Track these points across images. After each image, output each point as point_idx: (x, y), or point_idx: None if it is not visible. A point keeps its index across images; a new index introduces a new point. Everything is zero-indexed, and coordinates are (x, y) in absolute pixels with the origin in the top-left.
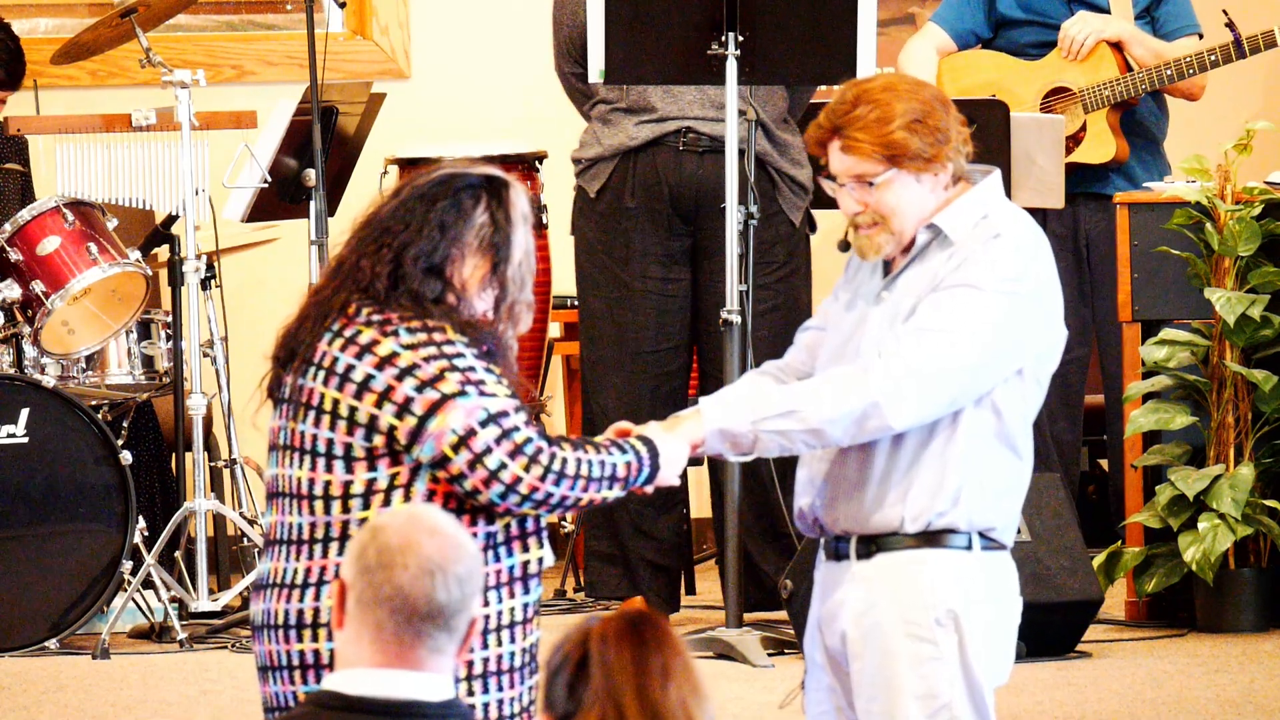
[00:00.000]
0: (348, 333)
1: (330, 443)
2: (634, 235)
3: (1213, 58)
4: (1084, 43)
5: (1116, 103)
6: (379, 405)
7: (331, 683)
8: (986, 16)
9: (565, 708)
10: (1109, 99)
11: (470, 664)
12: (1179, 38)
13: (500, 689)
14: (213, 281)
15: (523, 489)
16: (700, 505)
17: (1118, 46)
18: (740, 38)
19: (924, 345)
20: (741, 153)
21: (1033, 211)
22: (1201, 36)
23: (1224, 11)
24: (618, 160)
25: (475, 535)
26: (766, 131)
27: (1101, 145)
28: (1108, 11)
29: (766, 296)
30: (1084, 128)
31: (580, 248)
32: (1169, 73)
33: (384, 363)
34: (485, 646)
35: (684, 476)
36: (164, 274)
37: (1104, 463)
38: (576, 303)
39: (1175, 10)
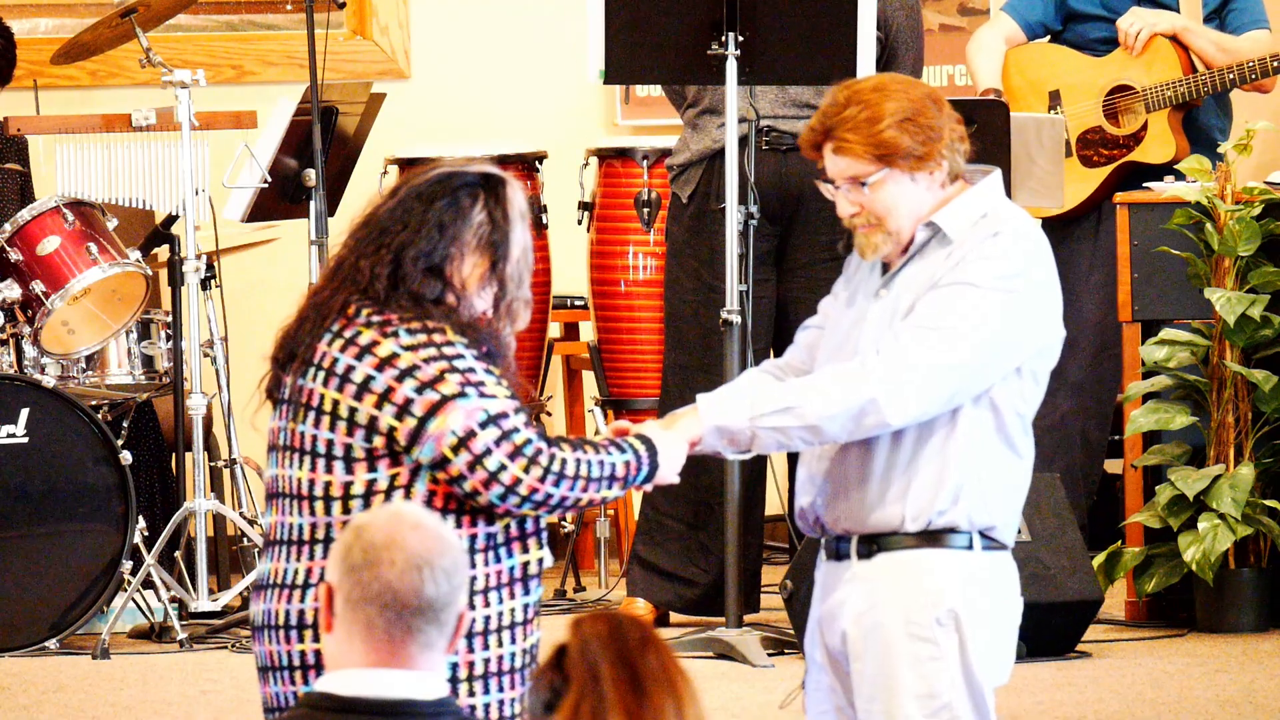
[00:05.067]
0: (347, 333)
1: (330, 443)
2: (719, 238)
3: (1276, 63)
4: (1137, 36)
5: (1179, 103)
6: (379, 406)
7: (324, 684)
8: (1057, 9)
9: (547, 713)
10: (1171, 99)
11: (471, 665)
12: (1246, 32)
13: (500, 689)
14: (213, 281)
15: (522, 490)
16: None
17: (1180, 43)
18: (740, 38)
19: (922, 342)
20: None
21: (1090, 209)
22: (1269, 30)
23: None
24: (705, 164)
25: (475, 536)
26: None
27: (1162, 145)
28: (1175, 9)
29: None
30: (1145, 127)
31: (670, 251)
32: (1232, 76)
33: (384, 364)
34: (486, 647)
35: (762, 476)
36: (164, 274)
37: (1105, 464)
38: (578, 303)
39: (1244, 6)
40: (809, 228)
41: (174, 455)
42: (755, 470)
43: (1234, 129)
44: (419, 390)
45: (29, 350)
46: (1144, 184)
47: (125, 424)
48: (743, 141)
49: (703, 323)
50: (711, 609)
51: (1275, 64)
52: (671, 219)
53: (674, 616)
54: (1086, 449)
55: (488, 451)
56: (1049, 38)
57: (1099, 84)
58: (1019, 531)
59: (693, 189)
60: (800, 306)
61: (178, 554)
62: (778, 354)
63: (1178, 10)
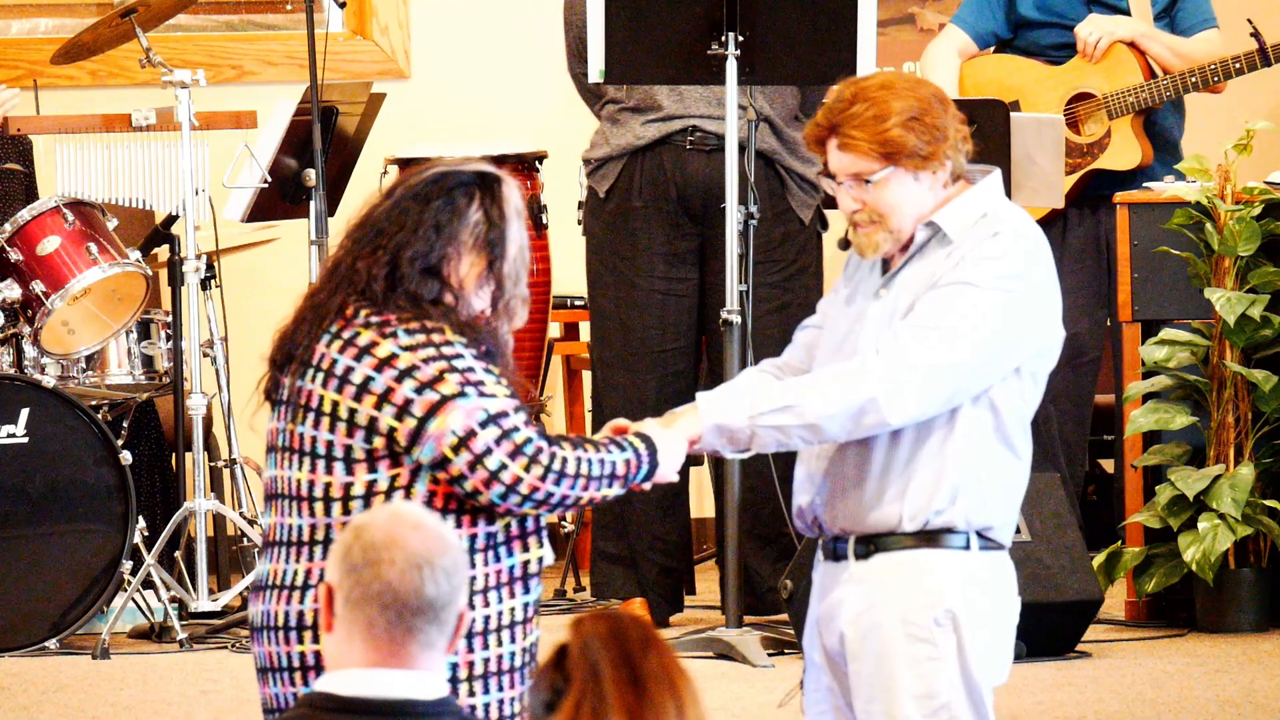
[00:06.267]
0: (346, 334)
1: (330, 444)
2: (641, 234)
3: (1237, 65)
4: (1097, 44)
5: (1140, 109)
6: (378, 407)
7: (324, 684)
8: (1007, 17)
9: (548, 712)
10: (1133, 105)
11: (471, 664)
12: (1196, 33)
13: (500, 689)
14: (213, 281)
15: (523, 489)
16: (699, 505)
17: (1136, 47)
18: (740, 38)
19: (922, 342)
20: (742, 151)
21: (1056, 216)
22: (1218, 29)
23: (1249, 20)
24: (625, 160)
25: (475, 535)
26: (775, 129)
27: (1127, 152)
28: (1126, 12)
29: (775, 295)
30: (1108, 134)
31: (590, 247)
32: (1194, 80)
33: (383, 364)
34: (485, 647)
35: (685, 476)
36: (164, 274)
37: (1104, 463)
38: (577, 303)
39: (1192, 6)
40: (723, 222)
41: (174, 455)
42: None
43: (1187, 127)
44: (418, 390)
45: (29, 350)
46: (1112, 189)
47: (125, 424)
48: (665, 140)
49: (624, 320)
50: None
51: (1236, 66)
52: (589, 214)
53: (674, 616)
54: (1066, 449)
55: (488, 451)
56: (997, 46)
57: (1058, 92)
58: (1018, 531)
59: (611, 184)
60: (719, 294)
61: (178, 554)
62: (708, 347)
63: (1129, 12)
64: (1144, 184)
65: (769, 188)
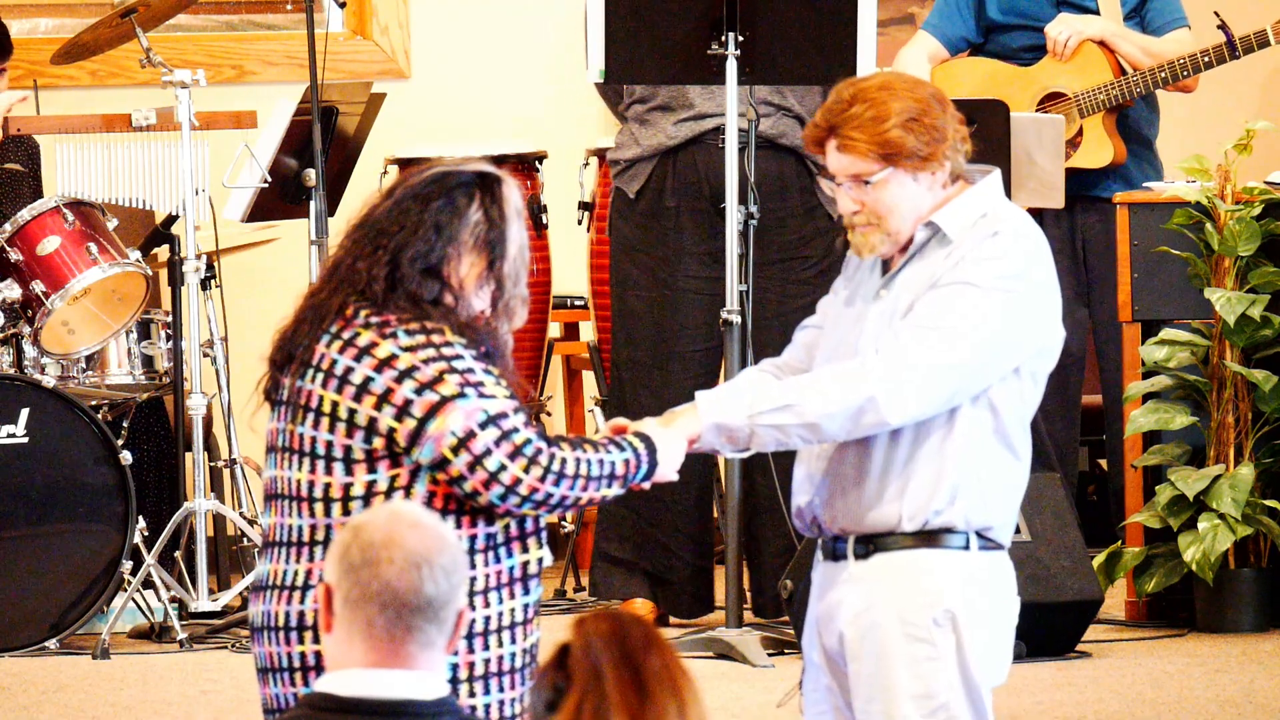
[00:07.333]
0: (346, 335)
1: (330, 445)
2: (674, 235)
3: (1206, 59)
4: (1067, 43)
5: (1112, 106)
6: (378, 407)
7: (324, 684)
8: (976, 21)
9: (549, 712)
10: (1104, 103)
11: (471, 665)
12: (1167, 32)
13: (501, 690)
14: (213, 281)
15: (522, 490)
16: None
17: (1107, 46)
18: (740, 38)
19: (922, 342)
20: (774, 148)
21: (1030, 214)
22: (1189, 28)
23: (1216, 13)
24: (657, 160)
25: (475, 536)
26: (804, 126)
27: (1100, 150)
28: (1095, 12)
29: (803, 292)
30: (1080, 133)
31: (619, 248)
32: (1163, 75)
33: (383, 365)
34: (486, 648)
35: (713, 476)
36: (164, 274)
37: (1103, 463)
38: (577, 303)
39: (1162, 5)
40: (759, 227)
41: (174, 455)
42: (705, 470)
43: (1163, 124)
44: (418, 391)
45: (29, 350)
46: (1086, 189)
47: (125, 424)
48: (698, 139)
49: (657, 320)
50: (674, 608)
51: (1205, 60)
52: (616, 215)
53: (674, 617)
54: (1057, 450)
55: (487, 452)
56: (970, 50)
57: (1030, 93)
58: (1018, 531)
59: (641, 185)
60: (752, 294)
61: (178, 554)
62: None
63: (1097, 12)
64: (1119, 181)
65: (800, 184)
